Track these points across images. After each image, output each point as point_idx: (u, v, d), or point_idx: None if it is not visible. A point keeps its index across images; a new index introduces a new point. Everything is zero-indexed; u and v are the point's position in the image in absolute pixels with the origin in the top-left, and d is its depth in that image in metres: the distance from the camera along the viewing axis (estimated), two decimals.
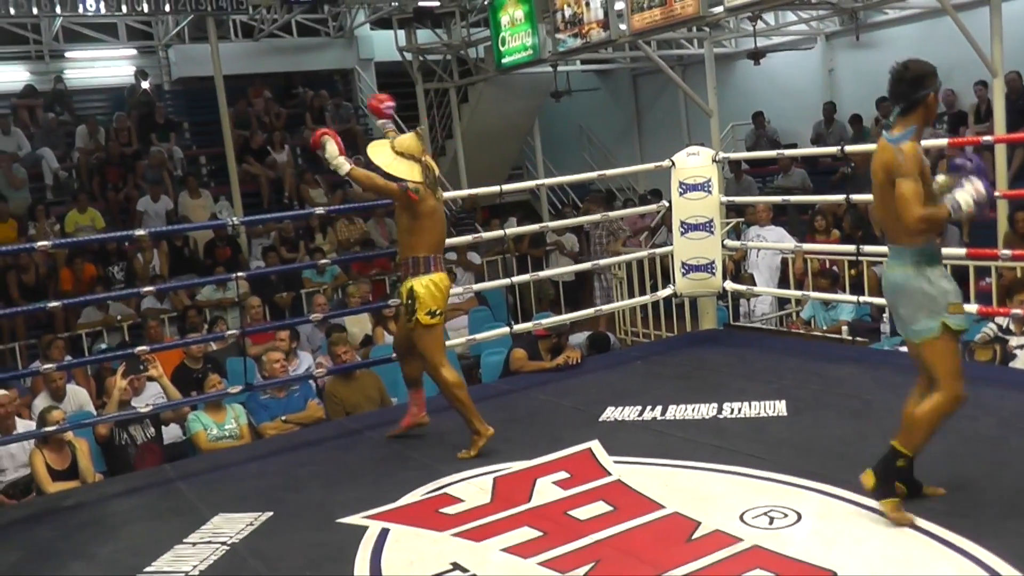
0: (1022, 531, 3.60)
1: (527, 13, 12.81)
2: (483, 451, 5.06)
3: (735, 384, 5.97)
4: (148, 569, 4.06)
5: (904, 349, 6.88)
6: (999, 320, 6.78)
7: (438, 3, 14.74)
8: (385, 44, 16.60)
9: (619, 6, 11.43)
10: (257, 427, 6.80)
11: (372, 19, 16.17)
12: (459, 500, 4.46)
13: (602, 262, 9.35)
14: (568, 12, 12.13)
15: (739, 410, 5.40)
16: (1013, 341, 6.57)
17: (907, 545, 3.58)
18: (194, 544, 4.27)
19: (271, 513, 4.54)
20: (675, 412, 5.48)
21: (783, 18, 14.56)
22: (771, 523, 3.84)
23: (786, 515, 3.88)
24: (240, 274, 6.93)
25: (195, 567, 4.02)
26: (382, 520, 4.31)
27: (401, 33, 15.43)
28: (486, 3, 14.08)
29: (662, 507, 4.12)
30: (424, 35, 15.82)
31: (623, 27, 11.47)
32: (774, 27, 14.58)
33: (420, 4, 14.71)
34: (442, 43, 15.65)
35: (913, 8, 12.92)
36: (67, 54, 16.28)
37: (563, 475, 4.61)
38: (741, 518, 3.90)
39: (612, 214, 9.18)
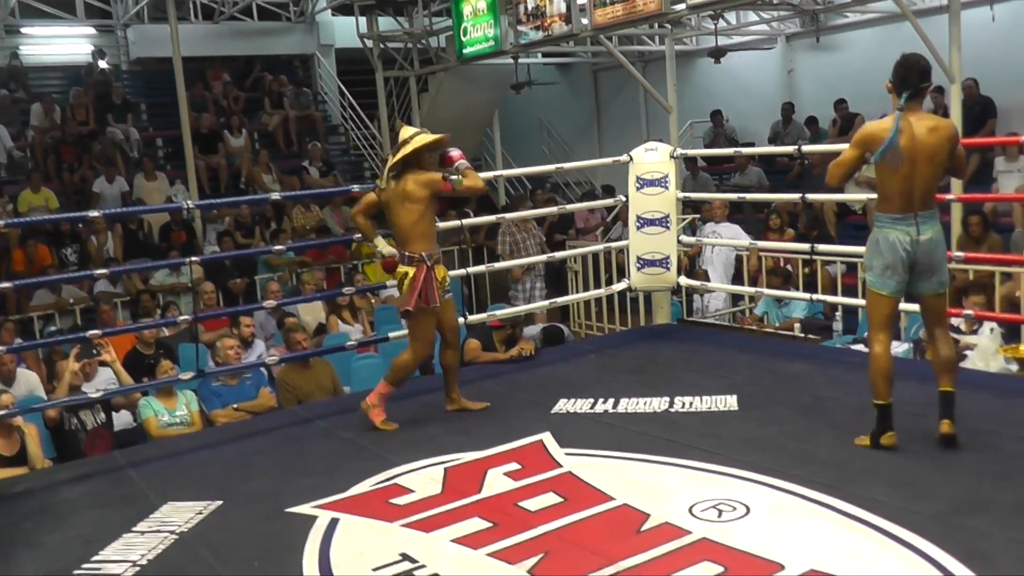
0: (970, 527, 3.66)
1: (489, 4, 12.78)
2: (437, 443, 5.07)
3: (687, 378, 6.02)
4: (96, 558, 4.01)
5: (857, 348, 7.07)
6: (953, 320, 6.89)
7: None
8: (346, 31, 16.50)
9: (581, 0, 11.44)
10: (208, 414, 6.74)
11: (333, 5, 16.05)
12: (409, 491, 4.44)
13: (515, 262, 9.37)
14: (530, 4, 12.13)
15: (691, 404, 5.44)
16: (963, 341, 6.68)
17: (855, 539, 3.63)
18: (143, 533, 4.22)
19: (220, 502, 4.51)
20: (627, 405, 5.51)
21: (744, 18, 14.64)
22: (720, 516, 3.88)
23: (735, 508, 3.92)
24: (194, 258, 6.86)
25: (143, 556, 3.98)
26: (332, 510, 4.29)
27: (362, 20, 15.35)
28: None
29: (612, 499, 4.14)
30: (385, 23, 15.75)
31: (585, 21, 11.49)
32: (735, 26, 14.66)
33: None
34: (403, 31, 15.59)
35: (873, 12, 13.04)
36: (23, 30, 16.06)
37: (514, 466, 4.62)
38: (690, 511, 3.93)
39: (510, 216, 9.26)
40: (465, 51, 13.49)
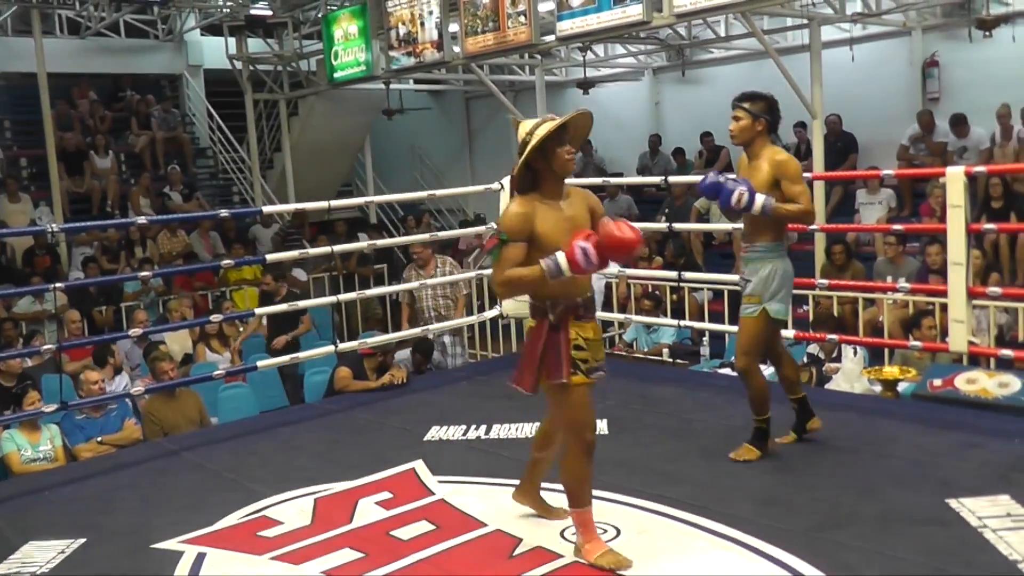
0: (835, 541, 3.79)
1: (361, 28, 12.77)
2: (307, 473, 4.98)
3: None
4: None
5: (723, 371, 7.28)
6: (812, 347, 7.21)
7: (270, 12, 14.50)
8: (215, 51, 16.22)
9: (453, 28, 11.53)
10: (72, 449, 6.46)
11: (202, 24, 15.77)
12: (278, 522, 4.37)
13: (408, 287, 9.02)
14: (403, 30, 12.16)
15: None
16: (829, 365, 6.99)
17: (724, 557, 3.72)
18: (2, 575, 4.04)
19: (84, 540, 4.35)
20: (499, 431, 5.54)
21: (612, 50, 14.96)
22: None
23: (605, 530, 3.95)
24: (59, 284, 6.60)
25: None
26: (198, 544, 4.19)
27: (232, 41, 15.11)
28: (319, 16, 13.97)
29: (484, 525, 4.16)
30: (255, 44, 15.54)
31: (457, 49, 11.58)
32: (603, 59, 14.98)
33: (252, 12, 14.41)
34: (273, 53, 15.42)
35: (738, 49, 13.51)
36: None
37: (386, 495, 4.59)
38: (562, 534, 3.97)
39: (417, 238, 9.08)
40: (336, 75, 13.44)
